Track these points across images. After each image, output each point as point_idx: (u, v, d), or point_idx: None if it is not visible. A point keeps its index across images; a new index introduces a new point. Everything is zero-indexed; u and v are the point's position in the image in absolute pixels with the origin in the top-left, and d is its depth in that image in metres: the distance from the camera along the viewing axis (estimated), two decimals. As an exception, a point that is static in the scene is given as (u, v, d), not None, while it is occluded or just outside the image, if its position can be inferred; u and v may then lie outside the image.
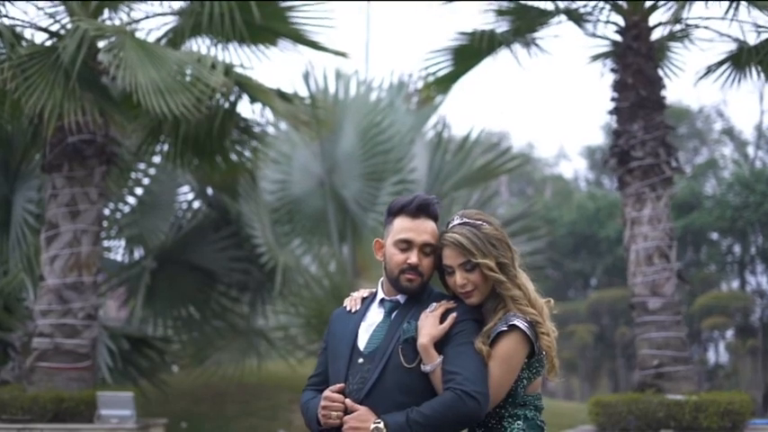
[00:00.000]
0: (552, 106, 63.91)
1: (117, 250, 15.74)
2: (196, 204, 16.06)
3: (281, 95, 12.09)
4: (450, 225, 3.70)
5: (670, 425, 10.17)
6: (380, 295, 3.80)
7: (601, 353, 29.09)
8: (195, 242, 15.12)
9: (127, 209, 15.30)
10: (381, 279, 3.82)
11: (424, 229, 3.66)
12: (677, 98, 35.21)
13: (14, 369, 11.57)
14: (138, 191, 15.29)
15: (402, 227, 3.67)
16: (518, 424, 3.59)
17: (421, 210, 3.67)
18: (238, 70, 11.44)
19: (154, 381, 13.83)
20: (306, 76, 16.05)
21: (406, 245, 3.65)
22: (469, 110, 57.09)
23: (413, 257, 3.63)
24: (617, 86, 11.45)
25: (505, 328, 3.54)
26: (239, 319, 15.84)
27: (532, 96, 63.95)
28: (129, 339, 13.17)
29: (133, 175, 14.83)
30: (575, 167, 58.53)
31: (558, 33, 12.56)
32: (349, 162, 15.48)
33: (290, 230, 15.61)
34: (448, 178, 15.61)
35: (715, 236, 26.92)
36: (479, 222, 3.66)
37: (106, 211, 14.61)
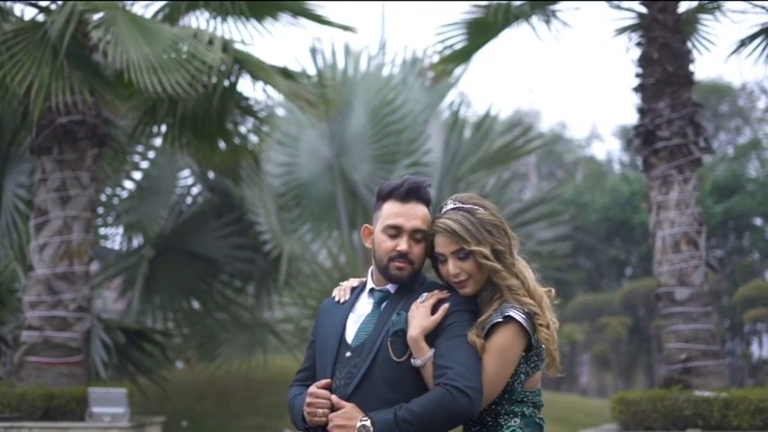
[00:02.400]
0: (585, 84, 63.62)
1: (114, 238, 15.86)
2: (196, 189, 16.13)
3: (285, 73, 12.12)
4: (443, 210, 3.69)
5: (698, 423, 10.14)
6: (370, 285, 3.81)
7: (636, 347, 29.03)
8: (196, 229, 15.20)
9: (125, 194, 15.40)
10: (371, 268, 3.83)
11: (414, 214, 3.66)
12: (717, 74, 34.88)
13: (6, 364, 11.66)
14: (137, 175, 15.38)
15: (391, 212, 3.68)
16: (515, 421, 3.58)
17: (411, 193, 3.68)
18: (238, 47, 11.46)
19: (153, 377, 13.92)
20: (313, 53, 16.07)
21: (395, 231, 3.67)
22: (494, 88, 56.88)
23: (402, 244, 3.65)
24: (642, 61, 11.41)
25: (501, 320, 3.52)
26: (244, 311, 15.92)
27: (564, 74, 63.61)
28: (126, 332, 13.21)
29: (130, 158, 14.90)
30: (608, 149, 58.28)
31: (578, 5, 12.47)
32: (359, 143, 15.52)
33: (297, 217, 15.65)
34: (465, 160, 15.62)
35: (759, 221, 26.75)
36: (474, 207, 3.65)
37: (102, 197, 14.74)
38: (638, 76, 11.49)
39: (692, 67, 11.37)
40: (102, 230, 15.14)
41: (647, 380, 28.09)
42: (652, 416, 10.38)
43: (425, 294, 3.67)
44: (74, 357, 10.78)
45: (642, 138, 11.29)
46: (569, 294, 28.17)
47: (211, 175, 15.98)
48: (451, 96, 17.07)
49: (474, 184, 15.19)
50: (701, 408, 10.15)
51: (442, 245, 3.64)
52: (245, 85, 18.45)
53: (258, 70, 11.52)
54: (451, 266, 3.63)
